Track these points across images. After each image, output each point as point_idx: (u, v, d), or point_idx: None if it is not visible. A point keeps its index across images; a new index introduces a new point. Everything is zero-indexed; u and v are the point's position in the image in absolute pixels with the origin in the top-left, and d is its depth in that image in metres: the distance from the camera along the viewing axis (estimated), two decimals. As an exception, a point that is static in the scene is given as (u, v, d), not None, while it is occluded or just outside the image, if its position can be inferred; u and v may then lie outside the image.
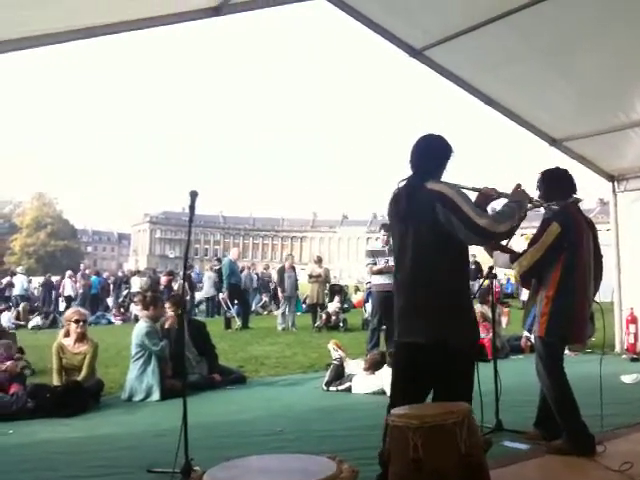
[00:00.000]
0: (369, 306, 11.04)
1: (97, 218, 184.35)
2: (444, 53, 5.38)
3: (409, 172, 2.99)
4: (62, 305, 18.61)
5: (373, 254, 7.93)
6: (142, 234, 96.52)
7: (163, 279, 16.08)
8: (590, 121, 6.34)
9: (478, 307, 7.34)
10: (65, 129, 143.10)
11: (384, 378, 5.39)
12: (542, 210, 3.77)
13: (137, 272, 21.44)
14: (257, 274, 21.59)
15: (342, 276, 56.59)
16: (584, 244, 3.67)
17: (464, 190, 2.87)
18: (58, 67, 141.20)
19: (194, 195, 3.40)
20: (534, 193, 3.69)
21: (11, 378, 5.38)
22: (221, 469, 2.16)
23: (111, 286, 20.87)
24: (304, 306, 17.33)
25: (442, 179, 2.93)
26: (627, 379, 5.80)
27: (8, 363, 5.53)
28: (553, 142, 6.91)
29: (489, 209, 3.03)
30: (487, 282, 4.76)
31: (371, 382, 5.69)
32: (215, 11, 4.24)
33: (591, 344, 6.68)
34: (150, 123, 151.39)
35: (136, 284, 17.41)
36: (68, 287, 19.14)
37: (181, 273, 12.52)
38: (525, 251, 3.65)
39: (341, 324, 12.59)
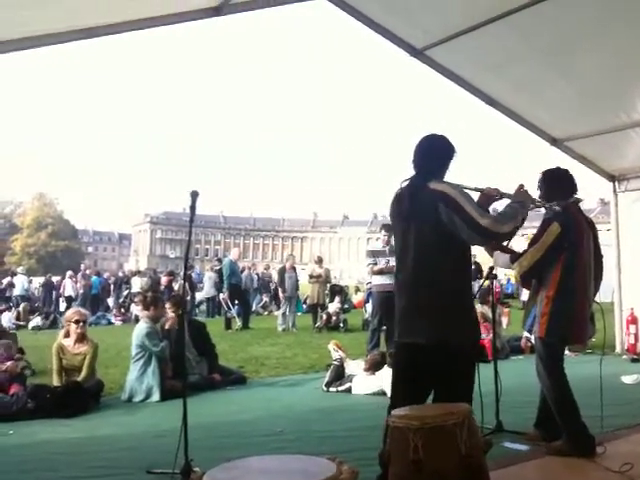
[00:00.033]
0: (369, 306, 11.03)
1: (99, 218, 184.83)
2: (445, 53, 5.38)
3: (411, 172, 2.99)
4: (63, 305, 18.63)
5: (374, 254, 7.93)
6: (143, 234, 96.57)
7: (164, 279, 16.08)
8: (591, 121, 6.34)
9: (478, 307, 7.33)
10: (66, 129, 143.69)
11: (384, 379, 5.38)
12: (542, 210, 3.76)
13: (138, 272, 21.44)
14: (257, 274, 21.60)
15: (342, 276, 56.62)
16: (584, 244, 3.67)
17: (467, 190, 2.87)
18: (59, 67, 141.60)
19: (195, 195, 3.40)
20: (535, 193, 3.69)
21: (11, 378, 5.37)
22: (221, 470, 2.16)
23: (112, 286, 20.88)
24: (304, 306, 17.33)
25: (444, 179, 2.93)
26: (627, 380, 5.79)
27: (8, 363, 5.52)
28: (554, 142, 6.91)
29: (490, 210, 3.03)
30: (487, 282, 4.77)
31: (371, 383, 5.69)
32: (215, 11, 4.25)
33: (591, 345, 6.67)
34: (151, 123, 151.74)
35: (137, 284, 17.42)
36: (69, 287, 19.16)
37: (182, 273, 12.51)
38: (525, 251, 3.64)
39: (341, 324, 12.58)
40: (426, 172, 2.91)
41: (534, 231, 3.69)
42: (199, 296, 17.76)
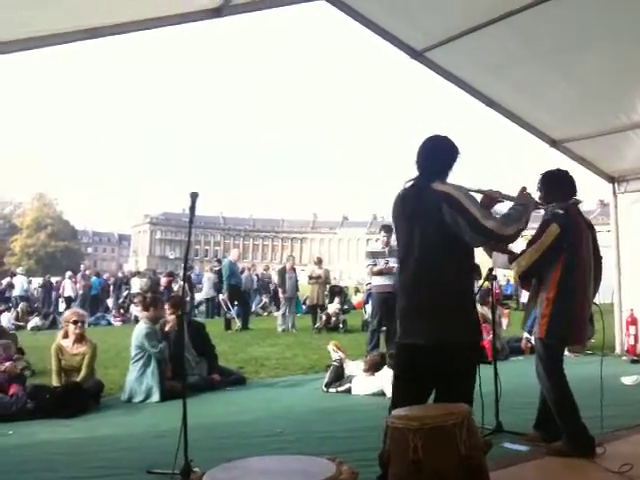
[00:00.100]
0: (369, 307, 11.03)
1: (103, 219, 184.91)
2: (445, 54, 5.38)
3: (415, 173, 2.99)
4: (62, 306, 18.62)
5: (373, 255, 7.94)
6: (142, 235, 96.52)
7: (163, 280, 16.11)
8: (591, 122, 6.35)
9: (478, 308, 7.33)
10: (70, 129, 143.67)
11: (384, 379, 5.39)
12: (542, 211, 3.77)
13: (137, 273, 21.46)
14: (257, 275, 21.61)
15: (342, 277, 56.52)
16: (584, 245, 3.67)
17: (470, 192, 2.87)
18: (64, 67, 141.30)
19: (194, 196, 3.40)
20: (535, 194, 3.69)
21: (10, 379, 5.37)
22: (221, 470, 2.16)
23: (111, 287, 20.86)
24: (304, 307, 17.33)
25: (448, 180, 2.93)
26: (627, 381, 5.80)
27: (7, 364, 5.52)
28: (554, 143, 6.92)
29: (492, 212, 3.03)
30: (487, 284, 4.77)
31: (371, 383, 5.69)
32: (216, 12, 4.25)
33: (591, 345, 6.67)
34: (156, 123, 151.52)
35: (136, 285, 17.42)
36: (68, 288, 19.15)
37: (181, 274, 12.52)
38: (524, 251, 3.65)
39: (341, 325, 12.58)
40: (430, 173, 2.91)
41: (533, 232, 3.70)
42: (198, 297, 17.76)
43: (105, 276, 23.17)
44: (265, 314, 18.90)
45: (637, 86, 5.48)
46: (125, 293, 18.81)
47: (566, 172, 3.87)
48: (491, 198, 3.02)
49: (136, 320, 10.25)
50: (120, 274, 25.52)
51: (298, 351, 9.09)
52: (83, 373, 5.52)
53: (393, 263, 7.36)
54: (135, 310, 14.31)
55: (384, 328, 7.70)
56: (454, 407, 2.39)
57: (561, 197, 3.71)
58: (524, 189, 3.07)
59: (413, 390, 2.82)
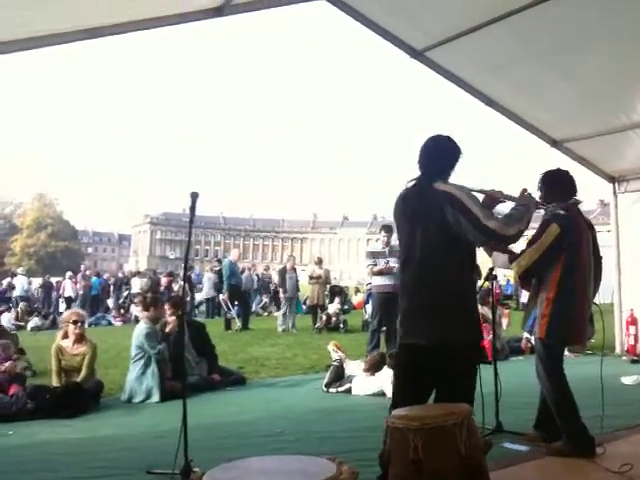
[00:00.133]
0: (369, 307, 11.03)
1: (104, 219, 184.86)
2: (445, 54, 5.38)
3: (416, 172, 2.99)
4: (62, 306, 18.62)
5: (373, 255, 7.94)
6: (142, 235, 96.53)
7: (163, 280, 16.10)
8: (591, 122, 6.35)
9: (478, 308, 7.34)
10: (70, 129, 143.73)
11: (384, 379, 5.39)
12: (541, 211, 3.77)
13: (137, 273, 21.46)
14: (257, 275, 21.61)
15: (342, 277, 56.55)
16: (584, 245, 3.67)
17: (472, 192, 2.87)
18: (63, 67, 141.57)
19: (195, 196, 3.40)
20: (535, 194, 3.69)
21: (10, 379, 5.37)
22: (221, 470, 2.16)
23: (111, 287, 20.86)
24: (304, 307, 17.32)
25: (449, 180, 2.93)
26: (627, 380, 5.80)
27: (7, 364, 5.52)
28: (554, 143, 6.92)
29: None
30: (487, 284, 4.77)
31: (371, 383, 5.69)
32: (217, 12, 4.25)
33: (591, 345, 6.67)
34: (156, 123, 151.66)
35: (136, 285, 17.42)
36: (68, 288, 19.17)
37: (181, 274, 12.52)
38: (524, 251, 3.65)
39: (341, 325, 12.58)
40: (432, 173, 2.91)
41: (533, 232, 3.70)
42: (199, 297, 17.77)
43: (105, 276, 23.16)
44: (265, 314, 18.90)
45: (637, 86, 5.47)
46: (125, 293, 18.82)
47: (566, 172, 3.88)
48: (493, 198, 3.02)
49: (136, 320, 10.24)
50: (120, 274, 25.52)
51: (298, 351, 9.09)
52: (83, 373, 5.52)
53: (393, 263, 7.36)
54: (135, 310, 14.32)
55: (384, 328, 7.69)
56: (454, 407, 2.39)
57: (561, 197, 3.71)
58: (525, 190, 3.07)
59: (413, 390, 2.82)
